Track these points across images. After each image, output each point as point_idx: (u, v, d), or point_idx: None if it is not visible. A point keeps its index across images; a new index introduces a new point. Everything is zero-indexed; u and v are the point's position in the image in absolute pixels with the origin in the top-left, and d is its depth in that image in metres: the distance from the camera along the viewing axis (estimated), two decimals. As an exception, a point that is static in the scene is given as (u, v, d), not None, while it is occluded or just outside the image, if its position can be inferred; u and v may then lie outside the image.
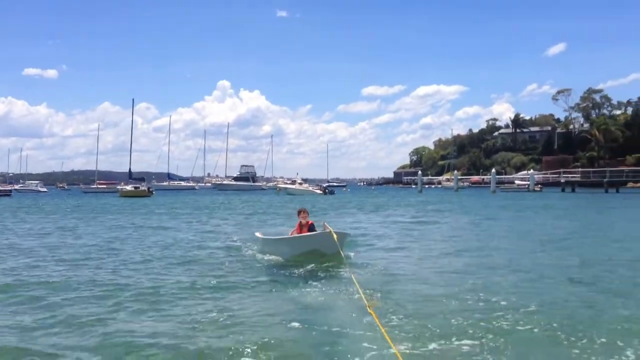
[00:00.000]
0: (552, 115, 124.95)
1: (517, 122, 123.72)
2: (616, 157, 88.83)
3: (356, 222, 24.93)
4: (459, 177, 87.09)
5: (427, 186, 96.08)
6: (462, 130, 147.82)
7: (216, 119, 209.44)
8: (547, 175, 79.30)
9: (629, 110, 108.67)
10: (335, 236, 11.31)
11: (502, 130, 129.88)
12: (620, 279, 10.04)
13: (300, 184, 76.72)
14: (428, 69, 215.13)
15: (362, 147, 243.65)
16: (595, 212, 32.19)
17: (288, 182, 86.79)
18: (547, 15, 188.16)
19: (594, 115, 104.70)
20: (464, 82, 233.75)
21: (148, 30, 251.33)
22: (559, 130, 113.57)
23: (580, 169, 78.36)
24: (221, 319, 7.31)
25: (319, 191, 69.79)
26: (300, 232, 12.72)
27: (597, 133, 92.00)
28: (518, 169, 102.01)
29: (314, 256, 11.68)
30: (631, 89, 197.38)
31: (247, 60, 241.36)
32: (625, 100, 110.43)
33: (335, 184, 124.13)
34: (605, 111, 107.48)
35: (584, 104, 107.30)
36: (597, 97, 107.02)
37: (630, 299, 8.38)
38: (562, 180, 70.26)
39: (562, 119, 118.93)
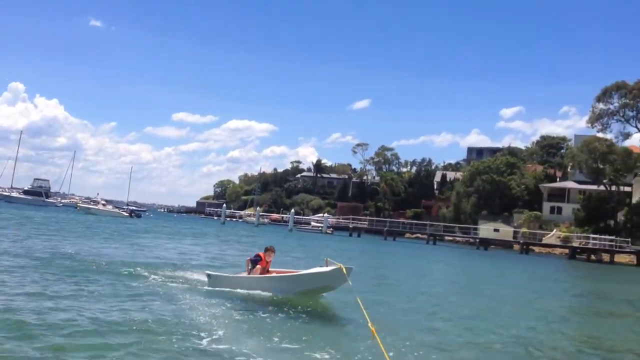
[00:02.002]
0: (349, 165, 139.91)
1: (318, 167, 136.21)
2: (399, 210, 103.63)
3: (193, 245, 28.88)
4: (261, 214, 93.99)
5: (229, 219, 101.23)
6: (268, 168, 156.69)
7: (2, 123, 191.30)
8: (340, 220, 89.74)
9: (414, 169, 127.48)
10: (345, 271, 12.00)
11: (304, 173, 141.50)
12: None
13: (103, 204, 76.51)
14: (242, 103, 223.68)
15: (165, 172, 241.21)
16: (369, 252, 40.11)
17: (87, 201, 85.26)
18: (356, 70, 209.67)
19: (384, 170, 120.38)
20: (275, 122, 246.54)
21: None
22: (354, 179, 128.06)
23: (368, 217, 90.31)
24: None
25: (125, 214, 70.67)
26: (263, 271, 13.73)
27: (384, 186, 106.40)
28: (315, 211, 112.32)
29: (318, 292, 13.32)
30: (419, 150, 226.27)
31: (48, 66, 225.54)
32: (411, 160, 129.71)
33: (133, 207, 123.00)
34: (394, 167, 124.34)
35: (377, 159, 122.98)
36: (388, 154, 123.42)
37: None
38: (350, 226, 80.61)
39: (358, 169, 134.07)
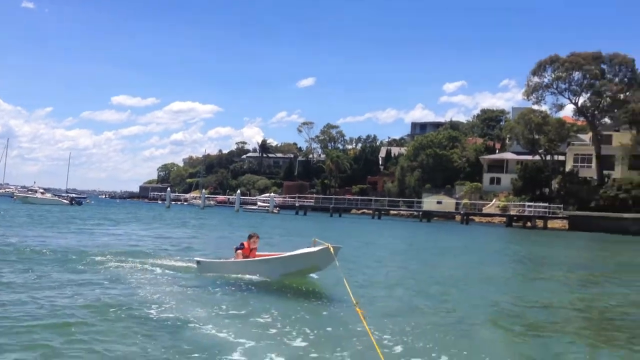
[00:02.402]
0: (295, 144, 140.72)
1: (264, 147, 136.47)
2: (345, 186, 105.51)
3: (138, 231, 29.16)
4: (206, 196, 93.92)
5: (174, 202, 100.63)
6: (212, 150, 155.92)
7: None
8: (286, 199, 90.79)
9: (359, 145, 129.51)
10: (332, 250, 11.98)
11: (250, 154, 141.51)
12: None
13: (42, 193, 74.77)
14: (185, 85, 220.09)
15: (105, 157, 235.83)
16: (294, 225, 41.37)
17: (24, 190, 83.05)
18: (301, 48, 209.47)
19: (330, 148, 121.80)
20: (219, 103, 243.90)
21: None
22: (300, 158, 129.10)
23: (314, 195, 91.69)
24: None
25: (65, 201, 69.56)
26: (249, 256, 13.92)
27: (330, 164, 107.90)
28: (262, 191, 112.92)
29: (306, 272, 13.50)
30: (365, 126, 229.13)
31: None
32: (357, 137, 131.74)
33: (73, 194, 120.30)
34: (339, 145, 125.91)
35: (323, 137, 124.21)
36: (334, 131, 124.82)
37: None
38: (297, 204, 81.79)
39: (304, 148, 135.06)
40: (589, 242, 42.75)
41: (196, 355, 7.54)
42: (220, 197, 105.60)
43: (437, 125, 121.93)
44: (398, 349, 8.15)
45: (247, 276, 13.55)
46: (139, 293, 11.56)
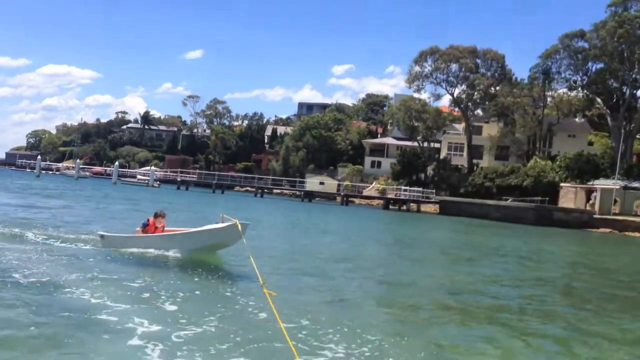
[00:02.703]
0: (180, 117, 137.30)
1: (146, 118, 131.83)
2: (230, 163, 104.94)
3: None
4: (81, 166, 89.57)
5: (45, 172, 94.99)
6: (90, 118, 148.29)
7: None
8: (168, 173, 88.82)
9: (245, 122, 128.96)
10: (240, 227, 12.10)
11: (130, 125, 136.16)
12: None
13: None
14: (61, 46, 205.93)
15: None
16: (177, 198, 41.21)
17: None
18: (189, 20, 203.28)
19: (215, 123, 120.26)
20: (99, 68, 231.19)
21: None
22: (184, 132, 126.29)
23: (197, 171, 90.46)
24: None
25: None
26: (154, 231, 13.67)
27: (215, 139, 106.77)
28: (142, 164, 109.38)
29: (213, 248, 13.43)
30: (253, 103, 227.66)
31: None
32: (243, 114, 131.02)
33: None
34: (225, 121, 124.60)
35: (209, 112, 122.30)
36: (220, 107, 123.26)
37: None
38: (179, 179, 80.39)
39: (188, 122, 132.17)
40: (456, 225, 46.15)
41: (65, 314, 7.74)
42: (97, 168, 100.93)
43: (323, 107, 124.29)
44: (297, 326, 8.51)
45: (154, 251, 13.39)
46: (11, 261, 11.35)
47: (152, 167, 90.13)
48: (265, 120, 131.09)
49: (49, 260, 11.88)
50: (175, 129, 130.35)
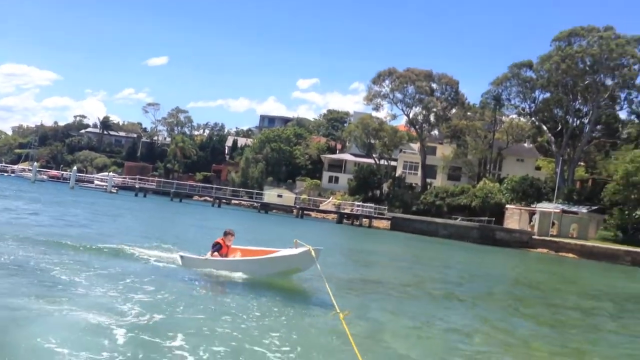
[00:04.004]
0: (140, 124, 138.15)
1: (106, 124, 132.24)
2: (189, 172, 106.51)
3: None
4: (38, 169, 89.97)
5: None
6: (48, 121, 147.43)
7: None
8: (126, 180, 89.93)
9: (207, 132, 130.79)
10: (314, 253, 12.51)
11: (90, 129, 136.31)
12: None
13: None
14: (20, 45, 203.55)
15: None
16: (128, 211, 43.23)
17: None
18: (154, 25, 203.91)
19: (176, 132, 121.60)
20: (59, 70, 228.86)
21: None
22: (144, 139, 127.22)
23: (156, 178, 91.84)
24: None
25: None
26: (227, 254, 14.61)
27: (175, 148, 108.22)
28: (100, 169, 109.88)
29: (288, 273, 14.10)
30: (216, 112, 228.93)
31: None
32: (204, 123, 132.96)
33: None
34: (186, 129, 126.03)
35: (170, 120, 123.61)
36: (182, 116, 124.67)
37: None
38: (137, 186, 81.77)
39: (149, 129, 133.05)
40: (406, 241, 49.23)
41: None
42: (53, 172, 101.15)
43: (285, 121, 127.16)
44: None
45: (229, 274, 14.21)
46: None
47: (111, 173, 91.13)
48: (226, 131, 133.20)
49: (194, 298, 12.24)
50: (135, 135, 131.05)
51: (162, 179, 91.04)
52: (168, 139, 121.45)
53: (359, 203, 73.38)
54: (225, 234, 14.88)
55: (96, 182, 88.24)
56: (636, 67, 63.63)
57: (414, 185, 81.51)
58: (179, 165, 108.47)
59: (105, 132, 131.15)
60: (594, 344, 12.57)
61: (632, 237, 56.37)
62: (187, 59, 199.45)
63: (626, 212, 58.20)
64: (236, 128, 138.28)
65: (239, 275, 14.08)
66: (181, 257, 15.41)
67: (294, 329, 9.84)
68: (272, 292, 12.99)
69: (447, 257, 35.15)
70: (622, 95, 67.51)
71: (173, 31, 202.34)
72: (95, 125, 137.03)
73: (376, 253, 32.23)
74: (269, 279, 13.88)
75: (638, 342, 13.56)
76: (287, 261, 13.59)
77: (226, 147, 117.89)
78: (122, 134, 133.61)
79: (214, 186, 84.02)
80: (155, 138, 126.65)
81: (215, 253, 14.57)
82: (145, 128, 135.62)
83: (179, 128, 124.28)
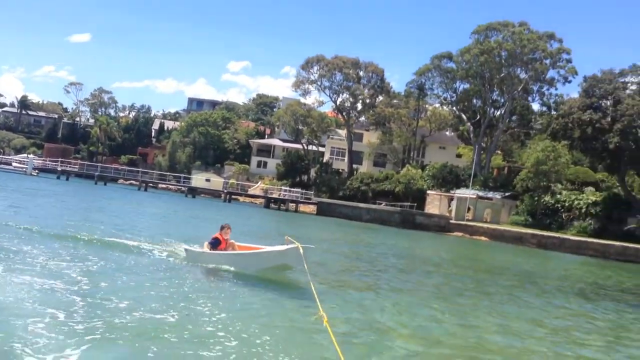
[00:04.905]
0: (61, 104, 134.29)
1: (24, 103, 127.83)
2: (114, 155, 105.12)
3: None
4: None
5: None
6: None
7: None
8: (47, 162, 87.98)
9: (132, 114, 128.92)
10: (301, 250, 12.65)
11: (6, 108, 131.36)
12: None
13: None
14: None
15: None
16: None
17: None
18: (77, 2, 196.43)
19: (100, 113, 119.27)
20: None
21: None
22: (65, 120, 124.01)
23: (79, 161, 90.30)
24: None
25: None
26: (226, 248, 14.92)
27: (98, 130, 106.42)
28: (18, 151, 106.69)
29: (279, 269, 14.16)
30: (143, 93, 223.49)
31: None
32: (130, 104, 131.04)
33: None
34: (111, 111, 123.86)
35: (93, 101, 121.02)
36: (105, 97, 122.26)
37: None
38: (59, 168, 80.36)
39: (70, 109, 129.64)
40: (330, 225, 51.47)
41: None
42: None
43: (214, 104, 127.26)
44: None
45: (227, 267, 14.62)
46: None
47: (31, 155, 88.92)
48: (153, 113, 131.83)
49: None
50: (56, 116, 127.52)
51: (86, 162, 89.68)
52: (91, 121, 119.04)
53: (286, 188, 75.37)
54: (222, 227, 15.33)
55: (14, 164, 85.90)
56: (547, 61, 68.41)
57: (340, 170, 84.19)
58: (103, 147, 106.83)
59: (23, 112, 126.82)
60: (478, 306, 15.06)
61: (540, 221, 61.09)
62: (112, 37, 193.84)
63: (535, 198, 62.92)
64: (163, 110, 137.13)
65: (227, 269, 14.49)
66: (185, 250, 16.04)
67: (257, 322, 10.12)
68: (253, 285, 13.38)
69: (363, 239, 37.62)
70: (535, 88, 72.39)
71: (97, 6, 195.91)
72: (12, 105, 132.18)
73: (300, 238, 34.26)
74: (259, 274, 14.04)
75: (516, 304, 16.25)
76: (274, 257, 13.91)
77: (153, 130, 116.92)
78: (41, 114, 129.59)
79: (141, 170, 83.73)
80: (78, 119, 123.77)
81: (206, 243, 15.25)
82: (66, 108, 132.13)
83: (103, 109, 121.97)
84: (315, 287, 10.29)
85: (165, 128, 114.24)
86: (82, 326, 8.46)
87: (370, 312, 12.36)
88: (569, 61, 68.61)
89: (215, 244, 15.03)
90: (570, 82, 69.92)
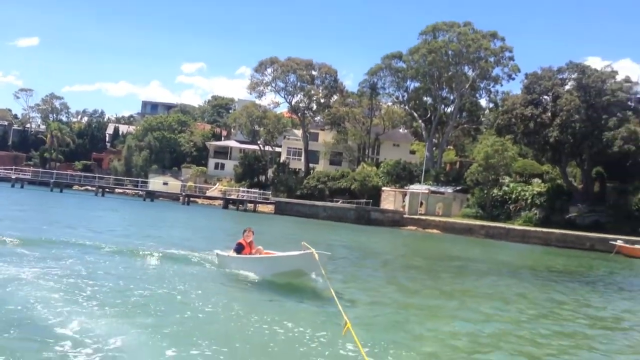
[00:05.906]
0: (9, 110, 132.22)
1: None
2: (68, 161, 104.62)
3: None
4: None
5: None
6: None
7: None
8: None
9: (85, 119, 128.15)
10: (316, 256, 12.52)
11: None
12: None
13: None
14: None
15: None
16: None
17: None
18: (21, 4, 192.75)
19: (51, 119, 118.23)
20: None
21: None
22: (15, 127, 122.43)
23: (31, 168, 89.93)
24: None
25: None
26: (250, 252, 15.15)
27: (51, 136, 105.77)
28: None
29: (294, 275, 13.96)
30: (94, 97, 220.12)
31: None
32: (82, 109, 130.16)
33: None
34: (63, 117, 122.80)
35: (44, 107, 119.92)
36: (57, 103, 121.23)
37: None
38: (13, 177, 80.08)
39: (20, 116, 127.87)
40: (287, 223, 53.51)
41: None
42: None
43: (169, 107, 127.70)
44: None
45: (245, 272, 14.98)
46: None
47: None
48: (106, 117, 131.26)
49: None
50: (6, 123, 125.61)
51: (40, 169, 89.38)
52: (42, 127, 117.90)
53: (244, 189, 77.11)
54: (243, 232, 15.74)
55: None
56: (491, 59, 72.02)
57: (297, 170, 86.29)
58: (57, 154, 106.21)
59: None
60: (423, 284, 17.43)
61: (490, 213, 64.45)
62: (60, 40, 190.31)
63: (485, 191, 66.30)
64: (116, 115, 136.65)
65: (253, 274, 14.74)
66: (217, 254, 16.77)
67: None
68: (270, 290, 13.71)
69: (317, 235, 39.85)
70: (482, 85, 75.99)
71: (44, 10, 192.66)
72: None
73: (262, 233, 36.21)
74: (274, 279, 14.16)
75: (455, 283, 18.71)
76: (289, 262, 13.86)
77: (107, 135, 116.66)
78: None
79: (97, 175, 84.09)
80: (28, 126, 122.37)
81: (232, 251, 15.73)
82: (15, 115, 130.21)
83: (55, 115, 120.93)
84: (335, 293, 10.27)
85: (120, 132, 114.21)
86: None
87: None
88: (511, 59, 72.48)
89: (239, 249, 15.42)
90: (514, 79, 73.90)
